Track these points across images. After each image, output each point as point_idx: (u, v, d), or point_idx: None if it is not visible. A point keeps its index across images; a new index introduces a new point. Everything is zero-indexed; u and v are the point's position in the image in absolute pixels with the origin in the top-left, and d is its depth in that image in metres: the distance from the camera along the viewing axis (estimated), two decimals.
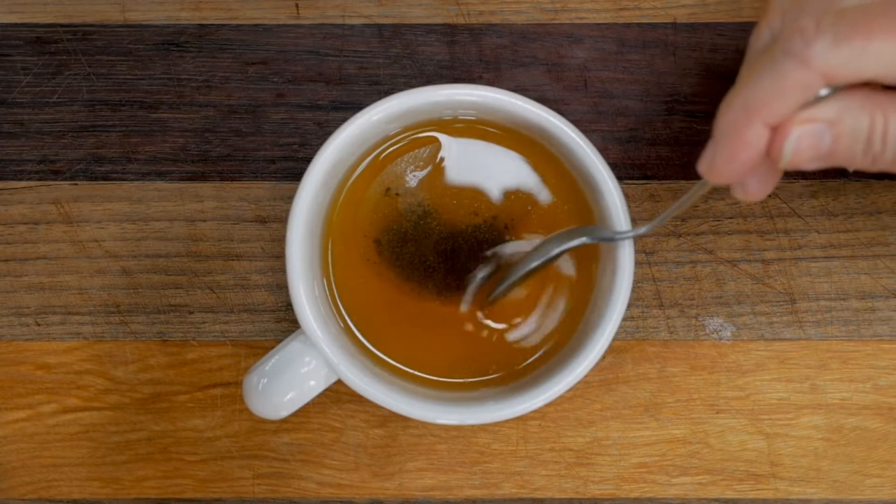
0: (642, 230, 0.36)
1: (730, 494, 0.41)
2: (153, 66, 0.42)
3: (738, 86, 0.31)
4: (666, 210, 0.35)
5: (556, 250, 0.36)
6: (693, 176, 0.42)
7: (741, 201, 0.34)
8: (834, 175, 0.42)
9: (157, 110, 0.42)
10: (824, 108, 0.31)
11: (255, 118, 0.42)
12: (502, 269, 0.38)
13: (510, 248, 0.38)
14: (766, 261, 0.41)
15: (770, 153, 0.31)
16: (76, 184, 0.42)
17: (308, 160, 0.36)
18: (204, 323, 0.42)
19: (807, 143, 0.31)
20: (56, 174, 0.42)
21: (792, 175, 0.42)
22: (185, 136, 0.42)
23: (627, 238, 0.36)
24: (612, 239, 0.36)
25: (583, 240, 0.36)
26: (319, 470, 0.42)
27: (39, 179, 0.42)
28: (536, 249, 0.36)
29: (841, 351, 0.41)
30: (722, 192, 0.41)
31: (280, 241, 0.42)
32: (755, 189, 0.34)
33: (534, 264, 0.36)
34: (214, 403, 0.42)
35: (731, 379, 0.41)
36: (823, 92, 0.31)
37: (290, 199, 0.38)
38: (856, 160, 0.32)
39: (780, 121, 0.31)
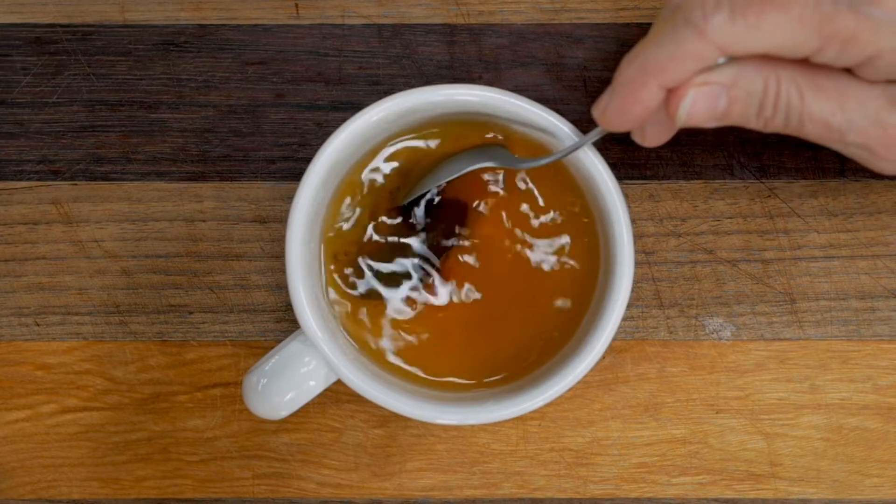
0: (543, 161, 0.36)
1: (729, 494, 0.41)
2: (153, 67, 0.42)
3: (642, 43, 0.33)
4: (565, 148, 0.36)
5: (461, 171, 0.37)
6: (692, 175, 0.42)
7: (640, 145, 0.36)
8: (833, 175, 0.42)
9: (157, 110, 0.42)
10: (721, 73, 0.32)
11: (255, 118, 0.42)
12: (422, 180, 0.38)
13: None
14: (766, 261, 0.41)
15: (667, 111, 0.33)
16: (76, 184, 0.42)
17: (307, 160, 0.36)
18: (203, 323, 0.42)
19: (702, 105, 0.33)
20: (55, 174, 0.42)
21: (792, 175, 0.42)
22: (185, 137, 0.42)
23: (527, 167, 0.36)
24: (515, 166, 0.37)
25: (487, 163, 0.37)
26: (319, 470, 0.42)
27: (39, 179, 0.42)
28: (444, 168, 0.37)
29: (841, 351, 0.41)
30: (721, 192, 0.41)
31: (280, 241, 0.42)
32: (652, 136, 0.35)
33: (440, 182, 0.37)
34: (214, 404, 0.42)
35: (731, 379, 0.41)
36: (721, 60, 0.32)
37: (289, 199, 0.38)
38: (750, 121, 0.34)
39: (676, 84, 0.32)
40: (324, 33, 0.42)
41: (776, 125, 0.33)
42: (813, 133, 0.33)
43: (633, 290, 0.40)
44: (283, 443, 0.42)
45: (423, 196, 0.38)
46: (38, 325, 0.42)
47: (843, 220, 0.42)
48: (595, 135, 0.35)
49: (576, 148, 0.36)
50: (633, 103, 0.33)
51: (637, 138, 0.36)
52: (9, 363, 0.42)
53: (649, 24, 0.42)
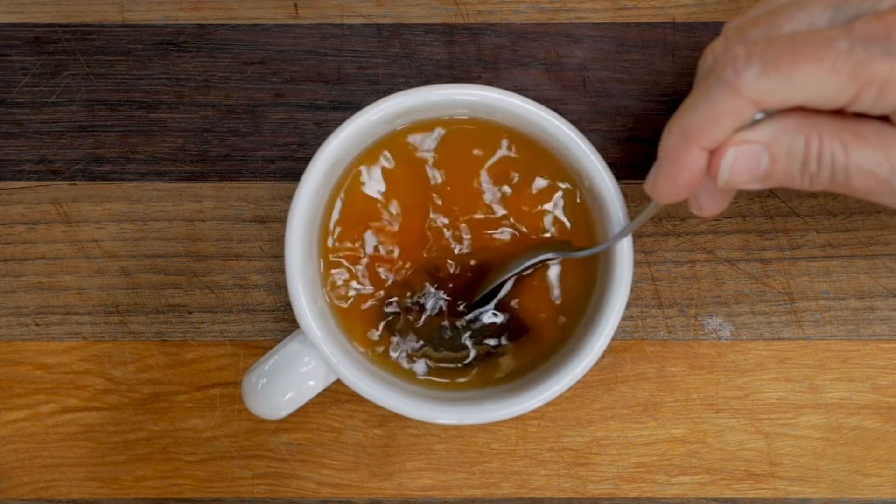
0: (601, 248, 0.37)
1: (729, 494, 0.41)
2: (152, 66, 0.42)
3: (678, 111, 0.33)
4: (621, 229, 0.36)
5: (523, 265, 0.37)
6: None
7: (698, 216, 0.36)
8: None
9: (156, 110, 0.42)
10: (760, 131, 0.32)
11: (254, 118, 0.42)
12: (481, 280, 0.38)
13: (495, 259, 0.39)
14: (765, 260, 0.42)
15: (710, 173, 0.33)
16: (75, 184, 0.42)
17: (307, 160, 0.36)
18: (203, 323, 0.42)
19: (743, 164, 0.32)
20: (55, 174, 0.42)
21: None
22: (184, 136, 0.42)
23: (587, 254, 0.37)
24: (577, 254, 0.37)
25: (548, 255, 0.37)
26: (318, 470, 0.42)
27: (38, 179, 0.42)
28: (507, 264, 0.38)
29: (840, 350, 0.41)
30: None
31: (279, 240, 0.42)
32: (708, 205, 0.35)
33: (504, 278, 0.37)
34: (213, 403, 0.42)
35: (730, 378, 0.41)
36: (759, 116, 0.32)
37: (288, 198, 0.38)
38: (794, 181, 0.33)
39: (717, 145, 0.32)
40: (323, 33, 0.42)
41: (822, 181, 0.33)
42: (861, 186, 0.33)
43: (632, 290, 0.40)
44: (283, 442, 0.42)
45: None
46: (37, 324, 0.42)
47: (843, 219, 0.42)
48: (652, 209, 0.35)
49: (633, 229, 0.36)
50: (679, 171, 0.32)
51: (695, 210, 0.36)
52: (8, 363, 0.42)
53: (649, 24, 0.42)
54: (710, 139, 0.32)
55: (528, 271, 0.38)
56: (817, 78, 0.30)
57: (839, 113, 0.32)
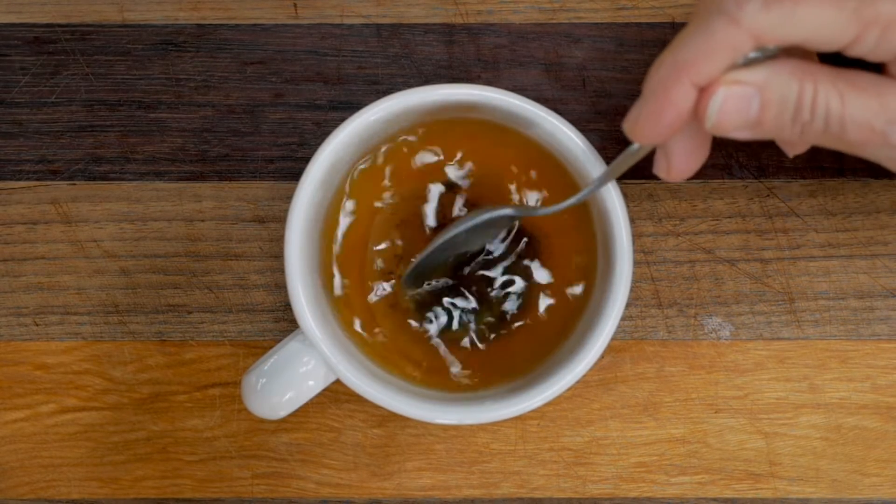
0: (569, 202, 0.35)
1: (728, 494, 0.41)
2: (151, 66, 0.42)
3: (671, 44, 0.31)
4: (595, 179, 0.35)
5: (474, 221, 0.36)
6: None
7: (663, 179, 0.34)
8: (832, 174, 0.42)
9: (156, 110, 0.42)
10: (753, 72, 0.31)
11: (254, 118, 0.42)
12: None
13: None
14: (765, 260, 0.42)
15: (697, 112, 0.31)
16: (74, 184, 0.42)
17: (306, 160, 0.36)
18: (202, 323, 0.42)
19: (733, 106, 0.31)
20: (54, 174, 0.42)
21: (790, 174, 0.42)
22: (184, 136, 0.42)
23: (547, 213, 0.36)
24: (534, 213, 0.36)
25: (507, 212, 0.36)
26: (318, 470, 0.42)
27: (38, 179, 0.42)
28: (458, 221, 0.37)
29: (839, 350, 0.41)
30: (720, 191, 0.41)
31: (279, 240, 0.42)
32: (678, 163, 0.34)
33: (452, 233, 0.36)
34: (213, 403, 0.42)
35: (730, 378, 0.41)
36: (753, 55, 0.31)
37: (288, 198, 0.38)
38: (784, 130, 0.32)
39: (709, 81, 0.31)
40: (322, 33, 0.42)
41: (814, 132, 0.32)
42: (855, 138, 0.31)
43: (631, 290, 0.40)
44: (283, 442, 0.42)
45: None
46: (36, 324, 0.42)
47: (842, 219, 0.42)
48: (631, 154, 0.33)
49: (598, 186, 0.35)
50: (666, 106, 0.31)
51: (661, 171, 0.34)
52: (8, 363, 0.42)
53: (648, 24, 0.42)
54: (703, 73, 0.31)
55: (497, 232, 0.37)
56: (820, 13, 0.29)
57: (835, 64, 0.31)
